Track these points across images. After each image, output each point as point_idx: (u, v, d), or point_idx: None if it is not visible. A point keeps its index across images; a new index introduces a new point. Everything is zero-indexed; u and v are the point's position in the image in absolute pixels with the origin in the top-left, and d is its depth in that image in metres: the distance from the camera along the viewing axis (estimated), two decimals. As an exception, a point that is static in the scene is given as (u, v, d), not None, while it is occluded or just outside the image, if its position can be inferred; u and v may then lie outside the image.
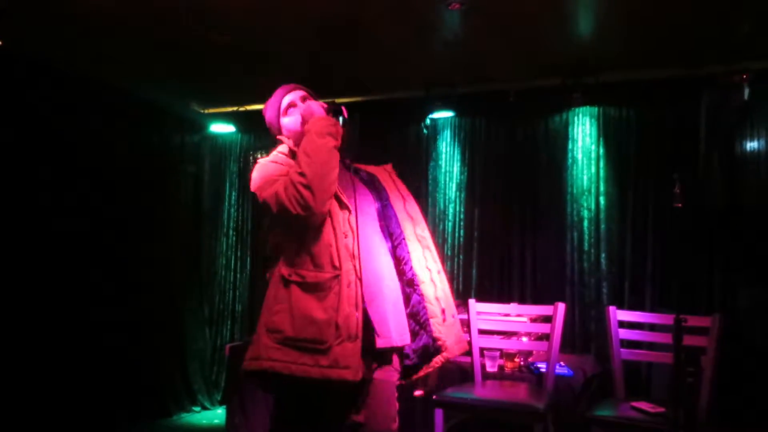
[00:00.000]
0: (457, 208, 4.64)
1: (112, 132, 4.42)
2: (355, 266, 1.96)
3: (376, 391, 2.00)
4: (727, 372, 3.10)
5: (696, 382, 1.96)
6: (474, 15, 3.28)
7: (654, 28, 3.42)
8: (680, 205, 2.24)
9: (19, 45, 3.74)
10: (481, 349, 3.22)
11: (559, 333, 2.99)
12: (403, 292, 2.10)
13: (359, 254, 1.98)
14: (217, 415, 4.86)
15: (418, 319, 2.08)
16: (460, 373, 3.30)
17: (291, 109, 2.24)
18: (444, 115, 4.64)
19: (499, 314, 3.33)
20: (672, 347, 2.90)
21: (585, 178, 4.27)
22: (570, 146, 4.33)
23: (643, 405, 2.67)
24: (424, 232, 2.23)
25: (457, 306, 3.68)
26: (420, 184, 4.76)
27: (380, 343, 1.95)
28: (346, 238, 1.99)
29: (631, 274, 4.11)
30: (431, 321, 2.07)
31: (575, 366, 3.33)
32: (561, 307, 3.02)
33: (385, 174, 2.39)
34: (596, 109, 4.28)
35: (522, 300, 4.30)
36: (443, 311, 2.10)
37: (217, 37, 3.56)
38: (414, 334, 2.08)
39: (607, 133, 4.25)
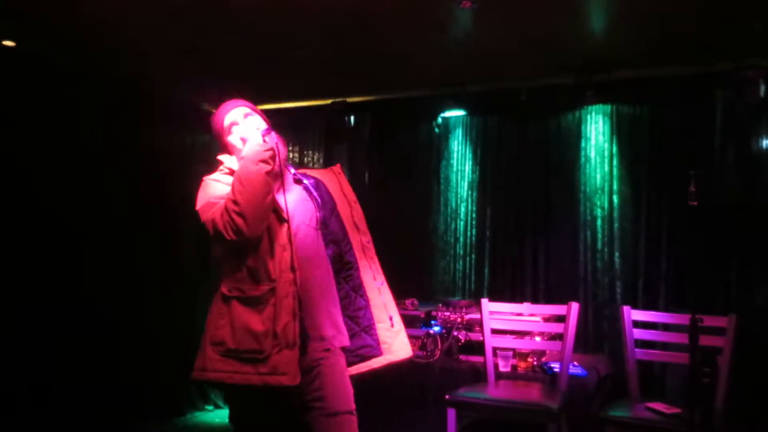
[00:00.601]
0: (469, 207, 4.63)
1: (124, 131, 4.43)
2: (292, 278, 2.05)
3: (328, 377, 2.11)
4: (743, 372, 3.07)
5: (712, 383, 1.94)
6: (485, 12, 3.26)
7: (667, 25, 3.38)
8: (696, 203, 2.21)
9: (33, 45, 3.77)
10: (494, 349, 3.21)
11: (572, 333, 2.97)
12: (347, 296, 2.26)
13: (297, 265, 2.07)
14: (219, 414, 4.86)
15: (359, 321, 2.25)
16: (472, 372, 3.29)
17: (233, 127, 2.27)
18: (455, 113, 4.63)
19: (512, 314, 3.32)
20: (688, 347, 2.89)
21: (598, 176, 4.24)
22: (583, 144, 4.30)
23: (658, 405, 2.64)
24: (369, 243, 2.36)
25: (469, 306, 3.71)
26: (431, 183, 4.76)
27: (313, 346, 2.09)
28: (284, 251, 2.08)
29: (644, 273, 4.07)
30: (377, 326, 2.26)
31: (589, 366, 3.31)
32: (575, 306, 3.00)
33: (333, 179, 2.45)
34: (609, 107, 4.24)
35: (534, 299, 4.28)
36: (390, 318, 2.29)
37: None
38: (353, 335, 2.24)
39: (621, 131, 4.21)
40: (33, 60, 3.86)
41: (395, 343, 2.28)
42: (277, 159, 2.12)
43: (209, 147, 5.17)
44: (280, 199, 2.15)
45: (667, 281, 4.00)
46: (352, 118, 4.87)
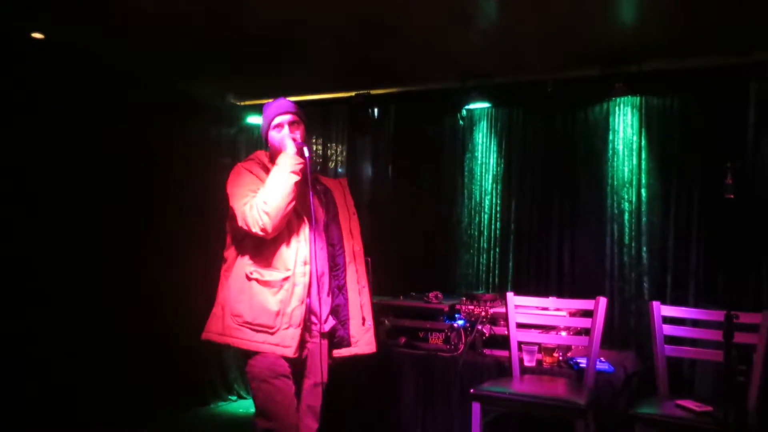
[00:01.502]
0: (494, 201, 4.58)
1: (149, 124, 4.47)
2: (305, 270, 2.49)
3: (314, 354, 2.58)
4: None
5: (747, 381, 1.88)
6: (512, 2, 3.21)
7: (699, 14, 3.29)
8: (732, 196, 2.15)
9: (60, 37, 3.80)
10: (519, 343, 3.17)
11: (600, 328, 2.92)
12: (332, 292, 2.65)
13: (311, 260, 2.51)
14: (243, 405, 4.89)
15: (338, 316, 2.65)
16: (497, 367, 3.26)
17: (278, 128, 2.61)
18: (480, 105, 4.57)
19: (538, 308, 3.27)
20: (719, 344, 2.82)
21: (626, 169, 4.16)
22: (611, 137, 4.22)
23: (688, 403, 2.59)
24: (360, 250, 2.77)
25: (493, 300, 3.67)
26: (455, 176, 4.72)
27: (316, 330, 2.56)
28: (301, 245, 2.50)
29: (673, 268, 3.99)
30: (351, 321, 2.66)
31: (616, 362, 3.25)
32: (603, 301, 2.95)
33: (339, 189, 2.85)
34: (638, 98, 4.15)
35: (559, 294, 4.18)
36: (363, 318, 2.70)
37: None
38: (334, 326, 2.64)
39: (650, 123, 4.13)
40: (60, 53, 3.89)
41: (363, 339, 2.68)
42: (307, 171, 2.48)
43: (233, 140, 5.24)
44: (307, 201, 2.50)
45: (696, 277, 3.91)
46: (375, 110, 4.85)
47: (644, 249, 4.08)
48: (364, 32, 3.68)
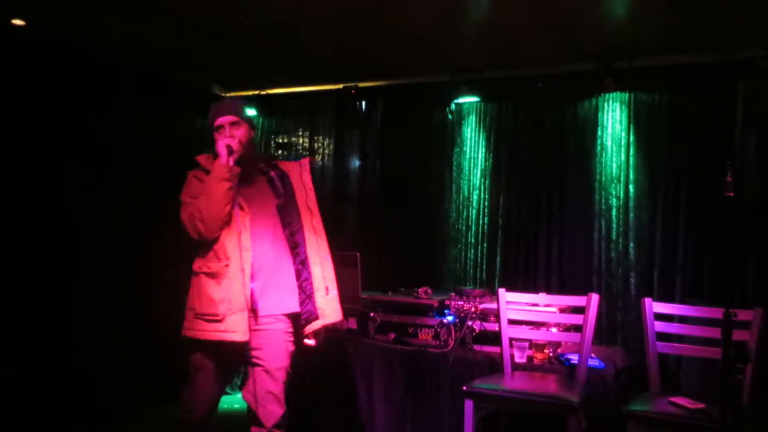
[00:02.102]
0: (482, 195, 4.56)
1: (133, 114, 4.37)
2: (245, 256, 2.59)
3: (269, 339, 2.67)
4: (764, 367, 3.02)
5: (744, 379, 1.89)
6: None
7: (690, 11, 3.29)
8: (732, 193, 2.15)
9: (42, 24, 3.69)
10: (510, 340, 3.16)
11: (592, 325, 2.92)
12: (298, 269, 2.76)
13: (251, 247, 2.61)
14: (238, 399, 4.83)
15: (305, 290, 2.75)
16: (488, 363, 3.24)
17: (220, 129, 2.72)
18: (469, 100, 4.54)
19: (528, 304, 3.26)
20: (709, 341, 2.84)
21: (614, 165, 4.16)
22: (599, 133, 4.21)
23: (681, 400, 2.59)
24: (319, 223, 2.85)
25: (482, 295, 3.66)
26: (444, 171, 4.69)
27: (261, 312, 2.65)
28: (240, 234, 2.61)
29: (660, 264, 4.00)
30: (316, 294, 2.75)
31: (605, 358, 3.26)
32: (595, 297, 2.95)
33: (296, 170, 2.91)
34: (627, 94, 4.15)
35: (547, 289, 4.20)
36: (327, 288, 2.79)
37: (242, 18, 3.48)
38: (302, 302, 2.75)
39: (639, 119, 4.12)
40: (43, 40, 3.78)
41: (328, 309, 2.77)
42: (236, 178, 2.60)
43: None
44: (241, 192, 2.64)
45: (683, 273, 3.93)
46: (363, 103, 4.80)
47: (631, 245, 4.09)
48: (353, 24, 3.62)
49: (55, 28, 3.75)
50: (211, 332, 2.58)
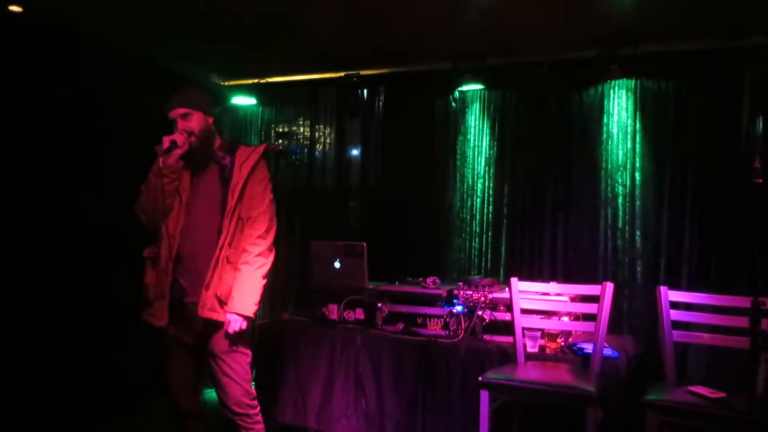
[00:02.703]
0: (486, 184, 4.52)
1: (130, 101, 4.27)
2: (171, 244, 2.71)
3: (207, 327, 2.75)
4: None
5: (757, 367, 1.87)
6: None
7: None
8: (761, 180, 2.12)
9: (39, 11, 3.59)
10: (522, 329, 3.13)
11: (607, 314, 2.89)
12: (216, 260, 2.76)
13: (177, 236, 2.72)
14: None
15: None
16: (499, 353, 3.21)
17: (172, 123, 2.80)
18: (473, 87, 4.49)
19: (539, 293, 3.23)
20: (723, 329, 2.83)
21: (620, 153, 4.14)
22: (605, 120, 4.19)
23: (700, 389, 2.57)
24: (251, 211, 2.81)
25: (491, 284, 3.62)
26: (447, 159, 4.64)
27: (188, 299, 2.74)
28: (175, 224, 2.74)
29: (667, 252, 4.00)
30: (204, 288, 2.72)
31: (617, 347, 3.24)
32: (609, 286, 2.92)
33: (245, 156, 2.87)
34: (633, 81, 4.12)
35: (552, 278, 4.19)
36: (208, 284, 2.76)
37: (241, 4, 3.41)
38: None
39: (645, 106, 4.10)
40: (40, 28, 3.69)
41: (206, 305, 2.73)
42: (175, 173, 2.73)
43: (217, 120, 5.04)
44: (184, 182, 2.77)
45: (690, 261, 3.93)
46: (365, 91, 4.74)
47: (638, 233, 4.08)
48: (354, 11, 3.56)
49: (48, 14, 3.64)
50: (145, 315, 2.76)
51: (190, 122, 2.77)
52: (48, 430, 3.62)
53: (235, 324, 2.71)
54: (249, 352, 2.86)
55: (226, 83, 4.95)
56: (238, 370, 2.78)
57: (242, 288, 2.74)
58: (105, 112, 4.10)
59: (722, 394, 2.48)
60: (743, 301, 2.78)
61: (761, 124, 3.78)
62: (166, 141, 2.72)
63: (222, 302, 2.72)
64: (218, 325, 2.73)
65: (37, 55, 3.68)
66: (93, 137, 4.04)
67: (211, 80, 4.89)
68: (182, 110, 2.78)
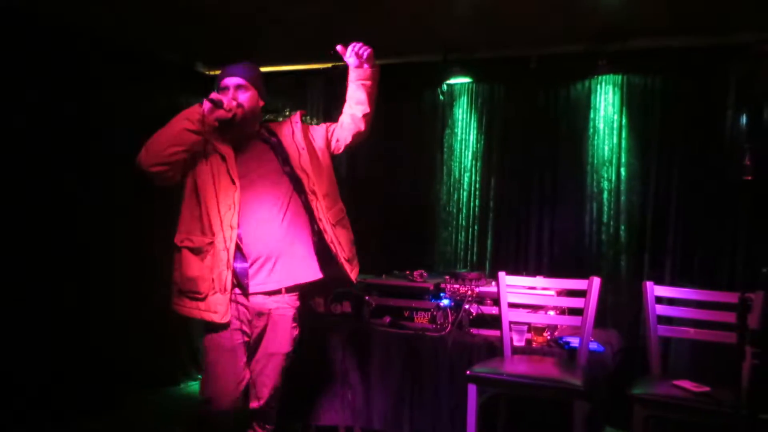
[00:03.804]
0: (473, 178, 4.53)
1: (114, 90, 4.22)
2: (230, 234, 2.48)
3: (272, 322, 2.65)
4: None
5: (761, 365, 1.90)
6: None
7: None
8: (750, 177, 2.14)
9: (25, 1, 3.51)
10: (510, 323, 3.14)
11: (594, 308, 2.92)
12: (312, 240, 2.73)
13: (238, 225, 2.51)
14: None
15: (329, 253, 2.71)
16: (486, 346, 3.22)
17: (222, 91, 2.62)
18: (461, 80, 4.49)
19: (526, 287, 3.25)
20: (707, 324, 2.87)
21: (606, 148, 4.17)
22: (592, 115, 4.21)
23: (685, 383, 2.61)
24: (315, 185, 2.68)
25: (478, 278, 3.63)
26: (434, 152, 4.64)
27: (252, 289, 2.58)
28: (229, 210, 2.49)
29: (651, 247, 4.03)
30: (338, 257, 2.72)
31: (602, 341, 3.27)
32: (596, 281, 2.94)
33: (288, 131, 2.76)
34: (620, 77, 4.14)
35: (538, 272, 4.21)
36: (339, 251, 2.73)
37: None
38: (324, 266, 2.75)
39: (631, 102, 4.12)
40: (25, 17, 3.60)
41: (353, 272, 2.82)
42: (203, 125, 2.48)
43: (203, 109, 5.00)
44: (233, 164, 2.54)
45: (673, 256, 3.97)
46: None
47: (622, 227, 4.11)
48: (343, 1, 3.52)
49: (24, 5, 3.57)
50: (193, 310, 2.52)
51: (244, 95, 2.62)
52: (24, 427, 3.55)
53: None
54: None
55: (213, 72, 4.88)
56: (279, 372, 2.74)
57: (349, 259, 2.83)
58: (88, 102, 4.03)
59: (707, 388, 2.52)
60: (727, 296, 2.83)
61: (746, 121, 3.83)
62: (215, 96, 2.54)
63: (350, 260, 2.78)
64: (286, 323, 2.70)
65: (10, 45, 3.59)
66: (76, 126, 3.96)
67: (197, 69, 4.82)
68: (239, 80, 2.63)
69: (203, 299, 2.48)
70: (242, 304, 2.60)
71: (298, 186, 2.68)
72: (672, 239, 3.98)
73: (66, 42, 3.90)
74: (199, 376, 4.78)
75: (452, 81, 4.50)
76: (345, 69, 4.53)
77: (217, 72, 4.71)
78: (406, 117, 4.71)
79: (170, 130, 2.46)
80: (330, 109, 4.86)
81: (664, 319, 3.05)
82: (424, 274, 3.69)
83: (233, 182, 2.54)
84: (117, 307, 4.17)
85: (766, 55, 3.68)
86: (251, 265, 2.58)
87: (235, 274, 2.54)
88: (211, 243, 2.48)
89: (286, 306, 2.70)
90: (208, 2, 3.54)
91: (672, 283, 3.77)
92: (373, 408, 3.34)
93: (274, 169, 2.67)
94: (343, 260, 2.75)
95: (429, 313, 3.47)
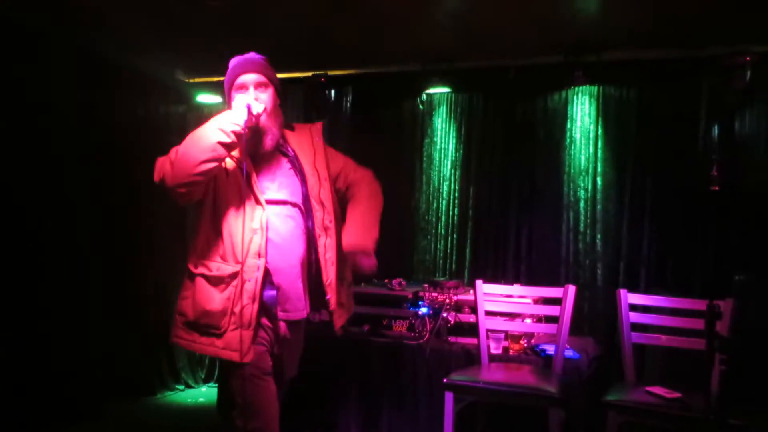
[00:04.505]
0: (452, 186, 4.56)
1: (93, 100, 4.19)
2: (258, 264, 2.18)
3: (288, 347, 2.43)
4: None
5: (730, 371, 1.94)
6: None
7: (659, 7, 3.35)
8: (717, 188, 2.19)
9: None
10: (487, 331, 3.17)
11: (569, 316, 2.96)
12: (310, 267, 2.42)
13: (266, 252, 2.20)
14: (202, 393, 4.75)
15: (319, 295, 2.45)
16: (463, 354, 3.25)
17: (242, 90, 2.28)
18: (441, 90, 4.53)
19: (503, 295, 3.28)
20: (680, 331, 2.92)
21: (583, 158, 4.22)
22: (569, 125, 4.26)
23: (657, 389, 2.65)
24: (331, 223, 2.43)
25: (456, 286, 3.66)
26: (414, 161, 4.67)
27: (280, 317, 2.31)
28: (254, 234, 2.18)
29: (626, 255, 4.09)
30: (326, 298, 2.45)
31: (578, 348, 3.31)
32: (571, 289, 2.98)
33: (308, 150, 2.45)
34: (596, 88, 4.21)
35: (516, 280, 4.26)
36: (330, 298, 2.46)
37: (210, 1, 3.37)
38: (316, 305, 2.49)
39: (607, 113, 4.19)
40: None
41: (334, 318, 2.53)
42: (238, 136, 2.13)
43: (182, 118, 4.99)
44: (255, 180, 2.23)
45: (648, 264, 4.03)
46: (333, 92, 4.73)
47: (599, 236, 4.16)
48: (324, 10, 3.55)
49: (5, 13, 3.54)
50: (207, 347, 2.21)
51: (265, 94, 2.28)
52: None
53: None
54: None
55: (192, 80, 4.88)
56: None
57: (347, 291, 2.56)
58: (62, 111, 3.99)
59: (678, 394, 2.56)
60: (699, 304, 2.88)
61: (717, 132, 3.91)
62: (243, 102, 2.18)
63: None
64: (298, 348, 2.53)
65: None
66: (50, 137, 3.92)
67: (176, 78, 4.81)
68: (259, 77, 2.28)
69: (221, 335, 2.17)
70: (267, 327, 2.31)
71: (309, 214, 2.39)
72: (647, 247, 4.04)
73: (36, 46, 3.87)
74: (179, 387, 4.74)
75: (432, 91, 4.54)
76: (324, 78, 4.60)
77: (200, 79, 4.86)
78: (386, 126, 4.74)
79: (201, 143, 2.10)
80: (310, 118, 4.87)
81: (639, 327, 3.09)
82: (403, 282, 3.71)
83: (259, 202, 2.22)
84: (93, 315, 4.12)
85: (736, 67, 3.77)
86: (278, 292, 2.30)
87: (262, 304, 2.24)
88: (235, 274, 2.17)
89: (300, 331, 2.53)
90: (186, 9, 3.53)
91: (647, 291, 3.84)
92: (352, 416, 3.34)
93: (292, 189, 2.36)
94: (334, 305, 2.49)
95: (407, 321, 3.49)
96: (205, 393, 4.74)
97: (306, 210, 2.37)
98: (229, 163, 2.25)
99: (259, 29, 3.85)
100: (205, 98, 4.82)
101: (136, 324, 4.43)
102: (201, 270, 2.21)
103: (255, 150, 2.29)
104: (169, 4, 3.44)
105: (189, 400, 4.60)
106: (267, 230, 2.21)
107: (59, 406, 3.82)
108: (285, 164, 2.37)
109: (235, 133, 2.12)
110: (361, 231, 2.48)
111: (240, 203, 2.20)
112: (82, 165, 4.10)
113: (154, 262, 4.59)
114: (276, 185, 2.31)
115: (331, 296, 2.45)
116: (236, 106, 2.19)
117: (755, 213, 3.69)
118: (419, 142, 4.66)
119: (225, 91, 2.36)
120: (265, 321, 2.29)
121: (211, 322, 2.18)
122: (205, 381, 4.94)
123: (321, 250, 2.39)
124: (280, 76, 4.66)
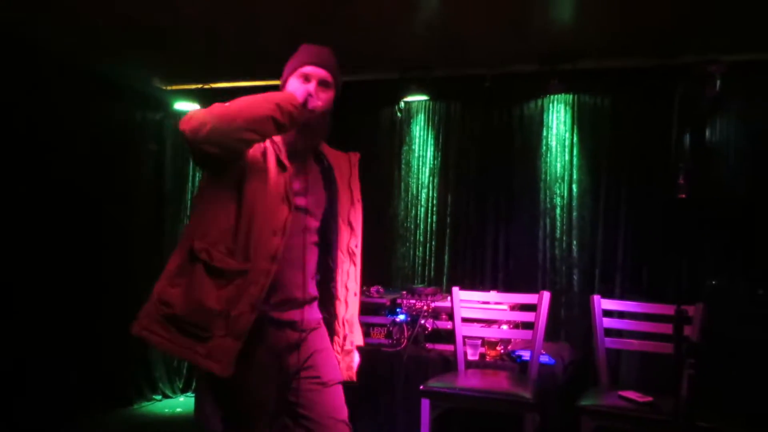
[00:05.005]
0: (430, 194, 4.59)
1: (69, 107, 4.17)
2: (269, 269, 1.87)
3: (319, 354, 2.07)
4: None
5: (698, 375, 1.98)
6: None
7: (632, 17, 3.42)
8: (684, 195, 2.23)
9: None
10: (463, 338, 3.19)
11: (544, 322, 2.98)
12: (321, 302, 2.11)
13: (280, 257, 1.89)
14: (180, 403, 4.71)
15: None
16: (441, 361, 3.26)
17: (301, 78, 2.05)
18: (418, 98, 4.56)
19: (480, 302, 3.30)
20: (653, 336, 2.96)
21: (558, 165, 4.28)
22: (545, 133, 4.32)
23: (630, 394, 2.69)
24: (357, 248, 2.21)
25: (434, 293, 3.68)
26: (392, 169, 4.69)
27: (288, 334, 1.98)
28: (275, 236, 1.89)
29: (601, 261, 4.14)
30: (334, 338, 2.15)
31: (554, 353, 3.34)
32: (546, 295, 3.01)
33: (344, 166, 2.28)
34: (571, 96, 4.27)
35: (494, 287, 4.29)
36: (345, 337, 2.20)
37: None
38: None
39: (582, 120, 4.25)
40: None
41: (343, 362, 2.23)
42: (292, 120, 1.90)
43: (160, 126, 4.98)
44: (290, 180, 1.95)
45: (623, 270, 4.08)
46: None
47: (575, 243, 4.21)
48: (301, 18, 3.56)
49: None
50: (184, 350, 1.83)
51: (326, 95, 2.10)
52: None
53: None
54: None
55: (169, 88, 4.86)
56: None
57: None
58: (38, 120, 3.95)
59: (650, 398, 2.60)
60: (670, 309, 2.90)
61: (688, 140, 3.98)
62: (301, 89, 2.00)
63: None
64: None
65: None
66: (25, 144, 3.88)
67: (152, 85, 4.79)
68: (327, 75, 2.09)
69: (205, 340, 1.81)
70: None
71: (332, 236, 2.13)
72: (621, 253, 4.09)
73: (9, 52, 3.83)
74: (156, 397, 4.70)
75: (409, 99, 4.57)
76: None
77: (177, 87, 4.83)
78: (365, 133, 4.75)
79: (253, 110, 1.85)
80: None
81: (614, 332, 3.13)
82: (381, 290, 3.72)
83: (288, 204, 1.94)
84: (66, 323, 4.07)
85: (707, 75, 3.84)
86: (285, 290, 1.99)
87: (265, 313, 1.92)
88: (242, 272, 1.86)
89: (324, 332, 2.21)
90: (164, 17, 3.53)
91: (623, 297, 3.88)
92: (329, 424, 3.33)
93: (321, 202, 2.11)
94: (350, 345, 2.26)
95: (385, 328, 3.50)
96: (183, 403, 4.70)
97: (329, 228, 2.12)
98: (270, 150, 1.98)
99: (235, 37, 3.85)
100: (182, 106, 4.80)
101: (111, 332, 4.38)
102: (204, 256, 1.85)
103: (294, 147, 2.06)
104: (145, 10, 3.43)
105: (166, 410, 4.56)
106: (286, 236, 1.92)
107: (30, 419, 3.76)
108: (317, 174, 2.14)
109: (292, 115, 1.91)
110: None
111: (269, 199, 1.92)
112: (59, 171, 4.06)
113: (129, 268, 4.55)
114: (303, 194, 2.03)
115: (345, 334, 2.19)
116: (293, 90, 2.00)
117: (726, 220, 3.77)
118: (397, 149, 4.69)
119: (283, 73, 2.13)
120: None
121: (202, 322, 1.81)
122: (183, 391, 4.90)
123: (341, 277, 2.14)
124: (256, 84, 4.79)
